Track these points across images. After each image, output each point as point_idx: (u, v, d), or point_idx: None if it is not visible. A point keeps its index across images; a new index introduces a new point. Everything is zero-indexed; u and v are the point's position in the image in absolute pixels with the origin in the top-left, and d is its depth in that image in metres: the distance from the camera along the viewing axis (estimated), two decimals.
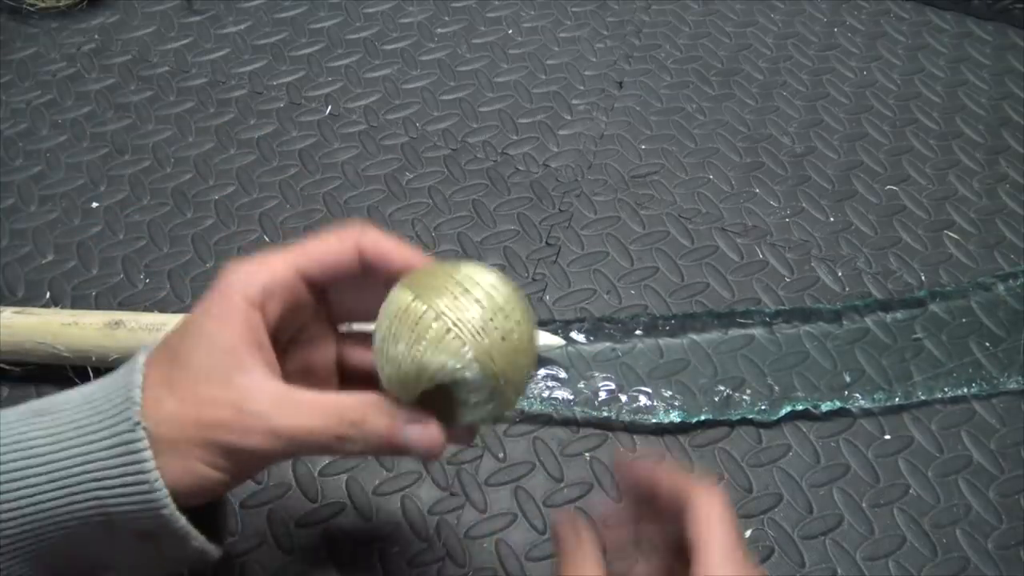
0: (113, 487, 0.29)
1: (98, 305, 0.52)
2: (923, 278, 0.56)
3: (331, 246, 0.33)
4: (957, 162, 0.62)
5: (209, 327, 0.31)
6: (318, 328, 0.36)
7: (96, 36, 0.64)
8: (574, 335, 0.51)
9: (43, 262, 0.53)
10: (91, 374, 0.47)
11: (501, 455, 0.48)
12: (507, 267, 0.55)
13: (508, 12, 0.68)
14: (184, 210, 0.56)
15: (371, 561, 0.44)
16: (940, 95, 0.65)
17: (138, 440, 0.29)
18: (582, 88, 0.64)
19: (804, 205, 0.59)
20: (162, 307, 0.51)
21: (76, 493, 0.29)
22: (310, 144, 0.59)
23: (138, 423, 0.29)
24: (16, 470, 0.29)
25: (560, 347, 0.49)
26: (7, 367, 0.47)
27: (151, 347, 0.32)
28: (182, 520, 0.30)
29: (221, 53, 0.64)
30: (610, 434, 0.49)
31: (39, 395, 0.47)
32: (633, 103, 0.63)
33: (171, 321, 0.46)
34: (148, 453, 0.29)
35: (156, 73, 0.62)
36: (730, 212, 0.58)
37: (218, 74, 0.63)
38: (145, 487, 0.29)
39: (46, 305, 0.51)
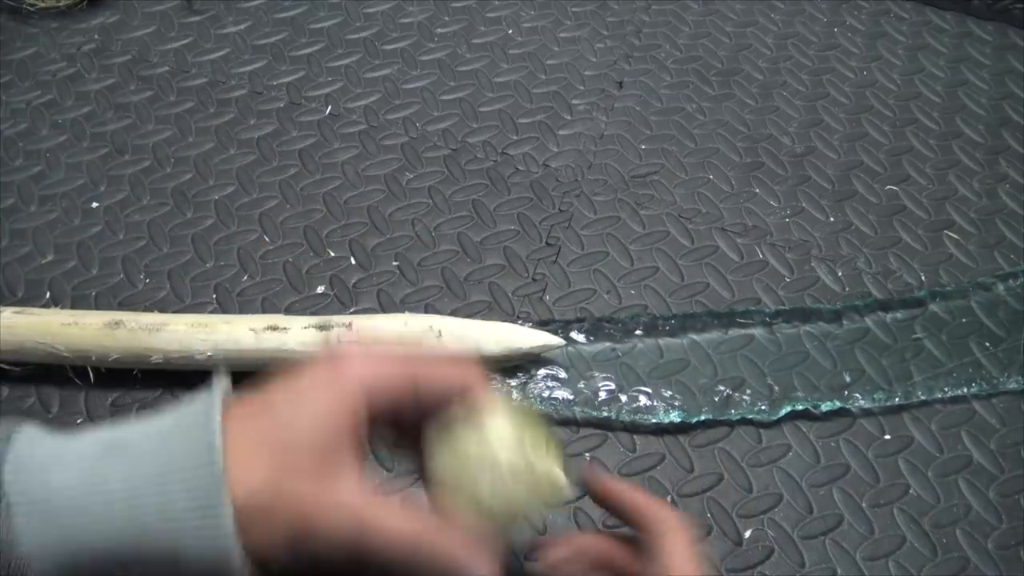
0: (189, 541, 0.27)
1: (98, 305, 0.52)
2: (923, 278, 0.56)
3: (448, 372, 0.31)
4: (957, 162, 0.62)
5: (318, 398, 0.29)
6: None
7: (96, 36, 0.64)
8: (574, 335, 0.51)
9: (43, 262, 0.53)
10: (91, 374, 0.47)
11: None
12: (507, 267, 0.55)
13: (508, 12, 0.68)
14: (184, 210, 0.56)
15: None
16: (940, 95, 0.65)
17: (219, 506, 0.27)
18: (582, 88, 0.64)
19: (804, 205, 0.59)
20: (162, 307, 0.51)
21: (152, 540, 0.28)
22: (310, 144, 0.59)
23: (222, 482, 0.27)
24: (95, 512, 0.27)
25: (560, 347, 0.49)
26: (7, 367, 0.47)
27: (227, 386, 0.30)
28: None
29: (221, 53, 0.64)
30: (610, 434, 0.49)
31: (39, 395, 0.47)
32: (633, 103, 0.63)
33: (172, 321, 0.46)
34: (229, 520, 0.27)
35: (156, 73, 0.62)
36: (730, 212, 0.58)
37: (218, 74, 0.63)
38: (222, 546, 0.27)
39: (46, 305, 0.51)
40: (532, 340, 0.48)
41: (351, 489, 0.29)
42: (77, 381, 0.48)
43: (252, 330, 0.46)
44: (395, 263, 0.54)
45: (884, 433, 0.49)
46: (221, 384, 0.30)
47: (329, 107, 0.61)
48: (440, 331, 0.47)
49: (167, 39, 0.64)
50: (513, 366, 0.49)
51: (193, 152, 0.58)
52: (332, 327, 0.47)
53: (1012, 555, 0.46)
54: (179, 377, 0.48)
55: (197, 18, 0.66)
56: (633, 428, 0.49)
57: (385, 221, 0.56)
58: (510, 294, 0.53)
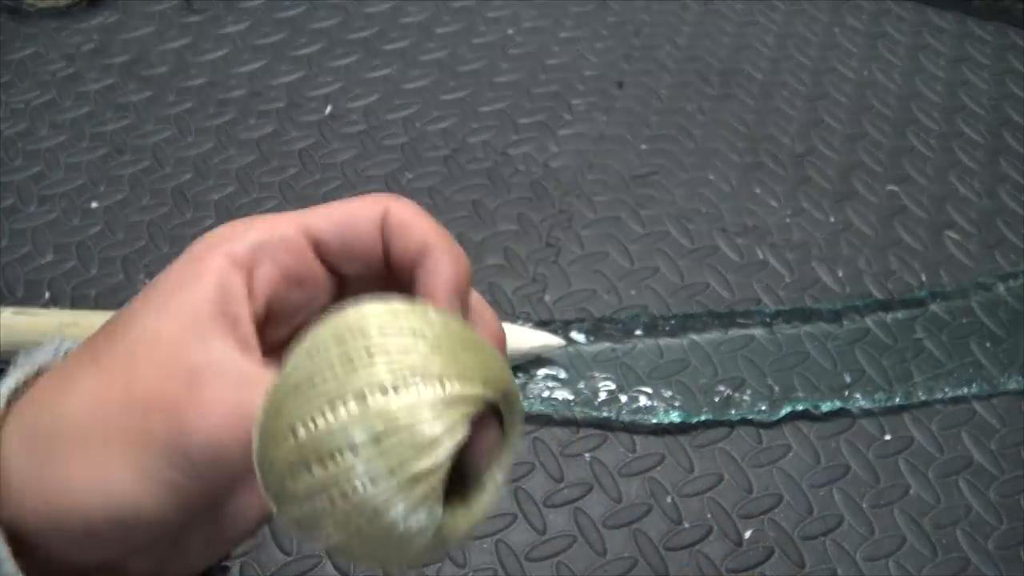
0: None
1: (98, 305, 0.51)
2: (923, 278, 0.56)
3: (353, 210, 0.25)
4: (957, 162, 0.62)
5: (165, 289, 0.23)
6: None
7: (96, 36, 0.64)
8: (574, 335, 0.51)
9: (43, 262, 0.53)
10: None
11: None
12: (507, 267, 0.55)
13: (508, 12, 0.68)
14: (184, 210, 0.56)
15: None
16: (940, 95, 0.65)
17: None
18: (582, 88, 0.64)
19: (804, 205, 0.59)
20: None
21: None
22: (310, 144, 0.59)
23: None
24: None
25: (560, 347, 0.49)
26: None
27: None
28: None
29: (221, 53, 0.64)
30: (610, 434, 0.49)
31: None
32: (633, 103, 0.63)
33: None
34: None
35: (156, 73, 0.62)
36: (730, 212, 0.58)
37: (218, 74, 0.63)
38: None
39: (46, 305, 0.51)
40: (532, 340, 0.48)
41: (215, 378, 0.21)
42: None
43: None
44: None
45: (884, 433, 0.49)
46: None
47: (329, 107, 0.61)
48: None
49: (167, 39, 0.64)
50: (513, 366, 0.49)
51: (193, 152, 0.58)
52: None
53: (1012, 555, 0.46)
54: None
55: (197, 18, 0.66)
56: (633, 428, 0.49)
57: None
58: (510, 294, 0.53)
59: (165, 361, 0.21)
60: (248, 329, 0.23)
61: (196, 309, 0.22)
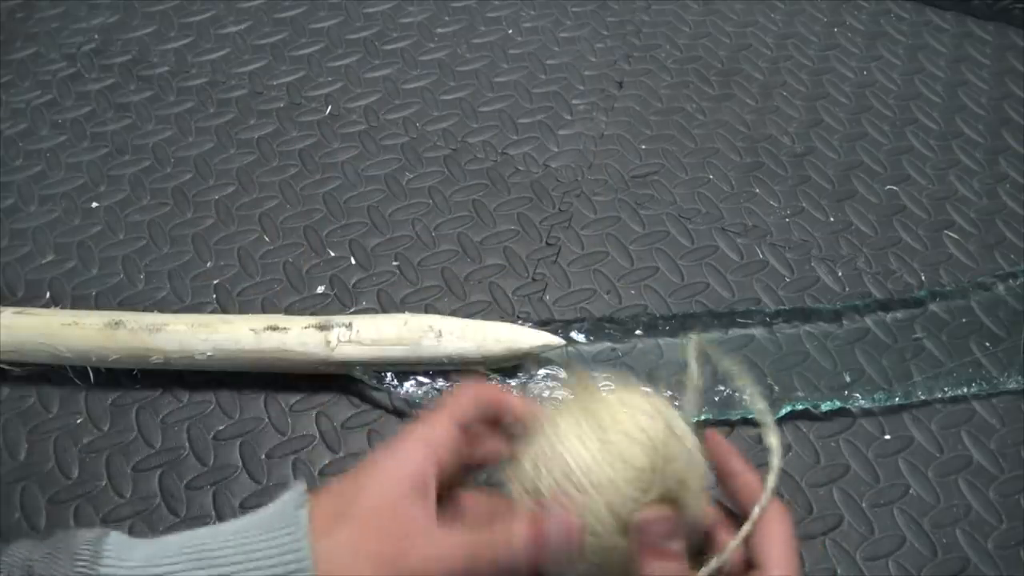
0: None
1: (98, 305, 0.52)
2: (923, 278, 0.56)
3: (463, 399, 0.36)
4: (957, 162, 0.62)
5: (387, 464, 0.34)
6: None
7: (96, 36, 0.64)
8: (574, 335, 0.51)
9: (43, 262, 0.53)
10: (91, 374, 0.47)
11: None
12: (507, 267, 0.55)
13: (508, 12, 0.68)
14: (184, 210, 0.56)
15: None
16: (940, 95, 0.65)
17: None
18: (582, 88, 0.64)
19: (804, 205, 0.59)
20: (162, 307, 0.51)
21: None
22: (310, 144, 0.59)
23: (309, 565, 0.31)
24: None
25: (560, 347, 0.49)
26: (7, 367, 0.47)
27: (304, 488, 0.33)
28: None
29: (221, 53, 0.64)
30: None
31: (39, 396, 0.47)
32: (633, 103, 0.63)
33: (172, 321, 0.46)
34: None
35: (156, 73, 0.62)
36: (730, 212, 0.58)
37: (218, 74, 0.63)
38: None
39: (46, 305, 0.51)
40: (532, 340, 0.48)
41: (443, 537, 0.32)
42: (77, 381, 0.48)
43: (252, 330, 0.46)
44: (395, 263, 0.54)
45: (884, 433, 0.49)
46: (301, 484, 0.33)
47: (329, 107, 0.61)
48: (440, 331, 0.47)
49: (167, 39, 0.64)
50: (513, 366, 0.49)
51: (193, 152, 0.58)
52: (332, 327, 0.47)
53: (1012, 555, 0.46)
54: (179, 377, 0.48)
55: (197, 18, 0.66)
56: None
57: (385, 221, 0.56)
58: (510, 294, 0.53)
59: (389, 525, 0.32)
60: (433, 500, 0.33)
61: (405, 486, 0.33)
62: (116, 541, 0.32)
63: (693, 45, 0.67)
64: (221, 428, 0.48)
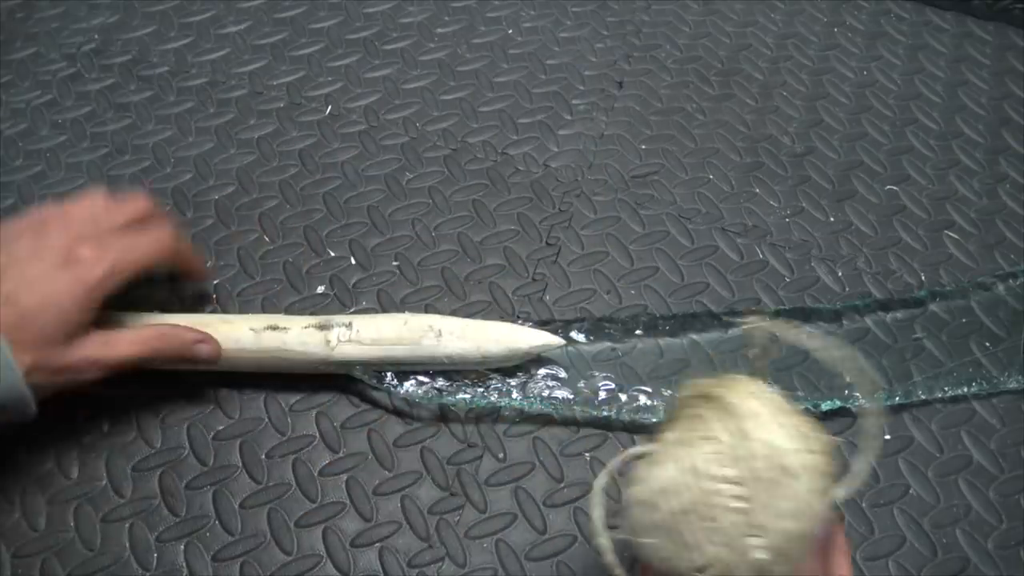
0: None
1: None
2: (923, 278, 0.56)
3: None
4: (957, 162, 0.62)
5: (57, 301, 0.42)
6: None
7: (96, 36, 0.64)
8: (574, 335, 0.51)
9: None
10: None
11: (501, 455, 0.48)
12: (507, 267, 0.55)
13: (508, 12, 0.68)
14: (184, 210, 0.56)
15: (371, 561, 0.44)
16: (940, 95, 0.65)
17: (10, 368, 0.40)
18: (582, 88, 0.64)
19: (804, 205, 0.59)
20: (162, 307, 0.51)
21: None
22: (310, 144, 0.59)
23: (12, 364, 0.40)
24: None
25: (560, 347, 0.49)
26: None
27: None
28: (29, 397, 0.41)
29: (221, 53, 0.64)
30: (610, 434, 0.49)
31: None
32: (633, 103, 0.63)
33: (172, 321, 0.46)
34: (19, 372, 0.40)
35: (156, 73, 0.62)
36: (730, 212, 0.58)
37: (218, 74, 0.63)
38: (14, 385, 0.40)
39: None
40: (532, 340, 0.48)
41: (89, 342, 0.42)
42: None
43: (252, 330, 0.46)
44: (395, 263, 0.54)
45: (884, 433, 0.49)
46: None
47: (329, 107, 0.61)
48: (440, 330, 0.47)
49: (167, 39, 0.64)
50: (513, 366, 0.49)
51: (193, 152, 0.59)
52: (332, 327, 0.47)
53: (1012, 555, 0.46)
54: (177, 378, 0.48)
55: (197, 18, 0.66)
56: (633, 428, 0.49)
57: (385, 221, 0.56)
58: (510, 294, 0.53)
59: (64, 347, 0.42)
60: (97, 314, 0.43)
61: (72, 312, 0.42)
62: None
63: (693, 45, 0.67)
64: (221, 428, 0.48)
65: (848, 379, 0.36)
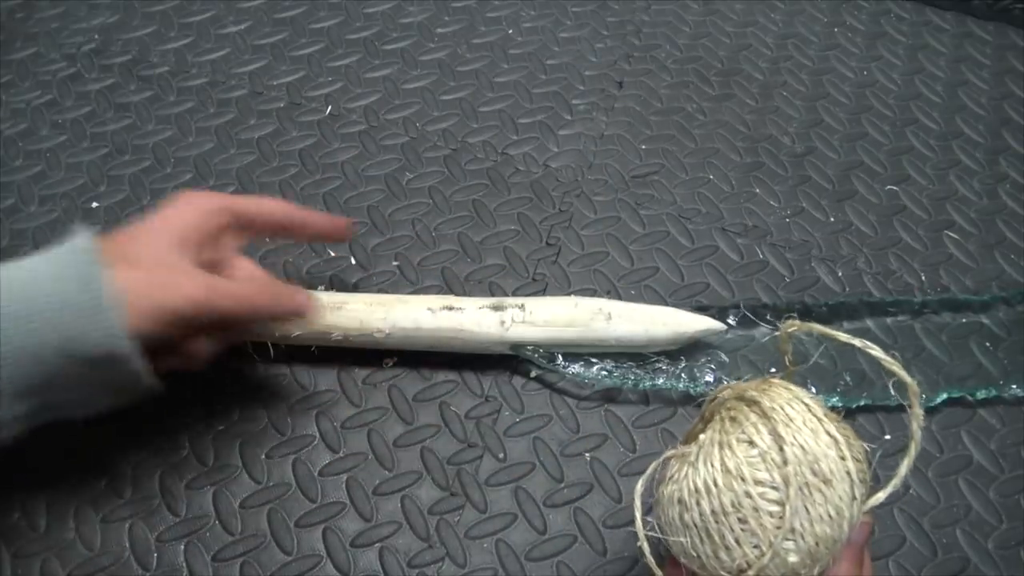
0: (79, 315, 0.37)
1: None
2: (923, 278, 0.56)
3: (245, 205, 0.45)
4: (957, 162, 0.62)
5: (156, 223, 0.42)
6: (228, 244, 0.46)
7: (96, 36, 0.64)
8: (730, 320, 0.52)
9: None
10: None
11: (501, 455, 0.48)
12: (507, 267, 0.55)
13: (508, 12, 0.68)
14: None
15: (371, 561, 0.44)
16: (940, 95, 0.65)
17: (102, 283, 0.37)
18: (582, 88, 0.64)
19: (804, 205, 0.59)
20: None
21: (46, 324, 0.36)
22: (310, 144, 0.59)
23: (102, 271, 0.37)
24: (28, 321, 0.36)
25: (721, 331, 0.50)
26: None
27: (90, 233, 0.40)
28: (129, 344, 0.37)
29: (221, 53, 0.64)
30: (610, 434, 0.49)
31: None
32: (633, 103, 0.63)
33: (351, 300, 0.48)
34: (112, 301, 0.37)
35: (156, 73, 0.62)
36: (730, 212, 0.58)
37: (218, 74, 0.63)
38: (106, 317, 0.37)
39: None
40: (697, 324, 0.49)
41: (196, 275, 0.41)
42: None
43: (429, 309, 0.48)
44: (395, 263, 0.54)
45: (884, 433, 0.50)
46: (87, 232, 0.39)
47: (329, 107, 0.61)
48: (610, 313, 0.48)
49: (167, 39, 0.64)
50: (676, 350, 0.50)
51: (193, 152, 0.59)
52: (506, 308, 0.48)
53: (1012, 555, 0.46)
54: (178, 378, 0.48)
55: (197, 18, 0.66)
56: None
57: (385, 221, 0.56)
58: (510, 294, 0.53)
59: (166, 273, 0.40)
60: (195, 249, 0.42)
61: (169, 237, 0.42)
62: None
63: (693, 45, 0.67)
64: (221, 428, 0.48)
65: (889, 383, 0.37)
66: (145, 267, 0.39)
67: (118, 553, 0.44)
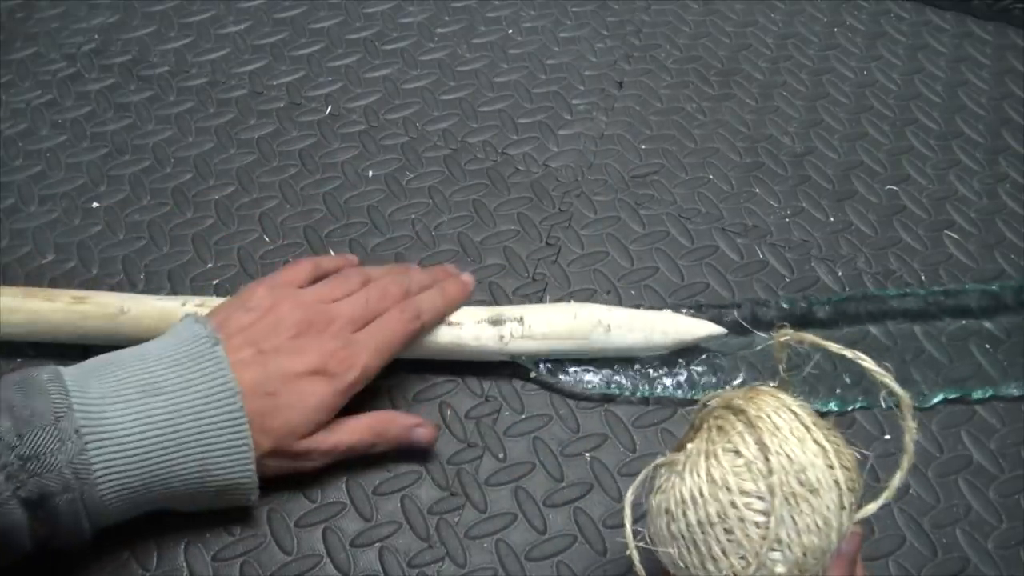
0: (217, 456, 0.40)
1: None
2: (923, 278, 0.56)
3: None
4: (957, 162, 0.62)
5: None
6: None
7: (96, 36, 0.64)
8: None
9: (43, 262, 0.53)
10: None
11: (501, 455, 0.48)
12: (507, 267, 0.55)
13: (508, 12, 0.68)
14: (184, 210, 0.56)
15: (371, 561, 0.44)
16: (940, 95, 0.65)
17: (245, 433, 0.40)
18: (582, 88, 0.64)
19: (804, 205, 0.59)
20: None
21: (187, 457, 0.39)
22: (310, 144, 0.59)
23: (245, 424, 0.40)
24: (143, 440, 0.38)
25: (722, 335, 0.50)
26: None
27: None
28: (256, 482, 0.42)
29: (221, 53, 0.64)
30: (610, 434, 0.49)
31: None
32: (633, 103, 0.63)
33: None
34: (250, 442, 0.40)
35: (156, 73, 0.62)
36: (730, 212, 0.58)
37: (218, 74, 0.63)
38: (247, 464, 0.41)
39: None
40: (698, 330, 0.49)
41: (319, 433, 0.44)
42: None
43: None
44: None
45: (884, 433, 0.50)
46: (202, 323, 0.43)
47: (329, 107, 0.61)
48: (609, 325, 0.48)
49: (167, 39, 0.64)
50: (673, 353, 0.50)
51: (193, 152, 0.59)
52: (504, 321, 0.48)
53: (1012, 555, 0.46)
54: None
55: (197, 18, 0.66)
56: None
57: (385, 221, 0.56)
58: (510, 294, 0.53)
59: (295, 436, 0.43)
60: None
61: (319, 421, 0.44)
62: (70, 375, 0.39)
63: (693, 45, 0.67)
64: None
65: (881, 396, 0.37)
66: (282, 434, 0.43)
67: (118, 553, 0.44)
